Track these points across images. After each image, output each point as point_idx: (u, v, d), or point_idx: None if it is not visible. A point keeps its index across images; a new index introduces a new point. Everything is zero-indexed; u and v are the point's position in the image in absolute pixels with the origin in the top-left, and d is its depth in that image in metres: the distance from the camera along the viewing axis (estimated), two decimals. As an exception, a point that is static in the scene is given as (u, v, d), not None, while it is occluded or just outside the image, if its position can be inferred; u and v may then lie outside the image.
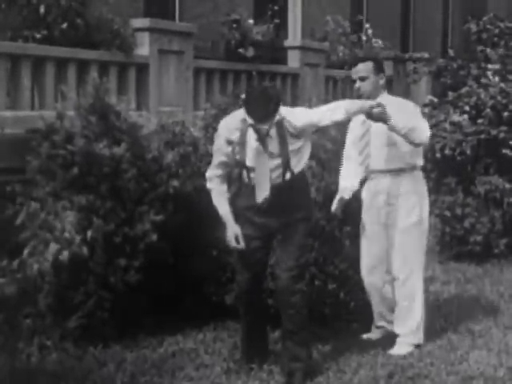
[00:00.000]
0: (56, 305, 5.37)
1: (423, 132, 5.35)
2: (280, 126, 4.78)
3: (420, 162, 5.59)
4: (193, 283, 5.92)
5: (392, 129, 5.20)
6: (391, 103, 5.37)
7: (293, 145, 4.86)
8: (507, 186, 8.61)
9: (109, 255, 5.40)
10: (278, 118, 4.72)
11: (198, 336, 5.71)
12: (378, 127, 5.34)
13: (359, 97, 5.52)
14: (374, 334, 5.76)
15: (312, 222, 5.12)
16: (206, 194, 5.29)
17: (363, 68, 5.54)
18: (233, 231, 4.92)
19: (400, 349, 5.46)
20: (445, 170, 9.06)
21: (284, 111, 4.83)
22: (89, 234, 5.24)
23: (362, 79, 5.54)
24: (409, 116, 5.34)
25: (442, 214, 8.67)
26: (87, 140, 5.53)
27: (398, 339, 5.53)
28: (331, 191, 5.75)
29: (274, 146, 4.82)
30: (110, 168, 5.50)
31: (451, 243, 8.72)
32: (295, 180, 4.94)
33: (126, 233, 5.48)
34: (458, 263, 8.42)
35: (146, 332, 5.66)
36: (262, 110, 4.64)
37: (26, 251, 4.87)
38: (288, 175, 4.91)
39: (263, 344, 5.25)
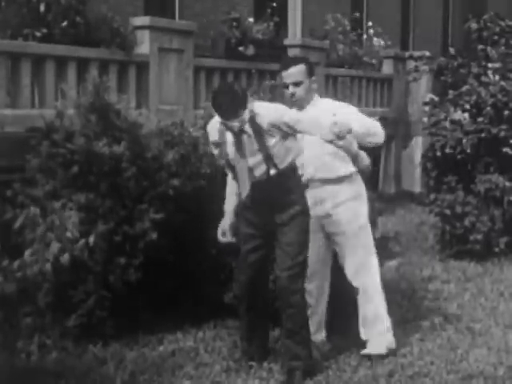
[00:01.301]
0: (56, 303, 5.37)
1: (376, 132, 5.25)
2: (253, 122, 4.80)
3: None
4: (192, 282, 5.92)
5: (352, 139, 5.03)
6: (328, 107, 5.23)
7: (272, 141, 4.85)
8: (507, 184, 8.61)
9: (108, 254, 5.40)
10: (249, 114, 4.76)
11: (197, 334, 5.71)
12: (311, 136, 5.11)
13: (293, 103, 5.23)
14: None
15: (309, 216, 5.03)
16: (206, 193, 5.30)
17: (296, 72, 5.21)
18: (221, 225, 5.06)
19: (370, 348, 5.32)
20: (445, 168, 9.07)
21: (257, 107, 4.85)
22: (91, 239, 5.23)
23: (296, 84, 5.21)
24: (358, 118, 5.20)
25: (442, 212, 8.68)
26: (87, 138, 5.53)
27: (369, 342, 5.37)
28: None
29: (251, 142, 4.84)
30: (110, 166, 5.50)
31: (451, 242, 8.73)
32: (283, 176, 4.91)
33: (126, 231, 5.48)
34: (458, 262, 8.42)
35: (146, 330, 5.66)
36: (227, 106, 4.68)
37: (27, 253, 4.87)
38: (273, 171, 4.89)
39: (263, 342, 5.25)
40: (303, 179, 5.18)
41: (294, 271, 4.91)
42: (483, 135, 8.80)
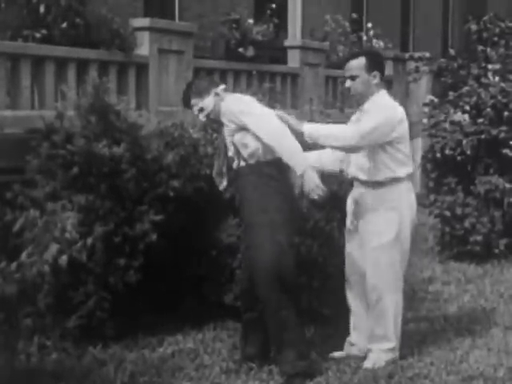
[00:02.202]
0: (56, 305, 5.37)
1: (345, 133, 5.03)
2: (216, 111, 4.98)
3: (401, 173, 5.18)
4: (192, 283, 5.92)
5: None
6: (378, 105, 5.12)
7: (233, 134, 4.93)
8: (507, 185, 8.61)
9: (108, 255, 5.40)
10: (214, 103, 4.95)
11: (197, 336, 5.71)
12: None
13: (351, 97, 5.28)
14: (343, 352, 5.40)
15: (276, 216, 4.80)
16: (206, 194, 5.30)
17: (354, 65, 5.12)
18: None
19: (370, 361, 5.18)
20: (445, 169, 9.07)
21: (227, 98, 4.99)
22: (89, 240, 5.23)
23: (353, 78, 5.13)
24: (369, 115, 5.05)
25: (442, 213, 8.68)
26: (87, 140, 5.53)
27: (369, 354, 5.23)
28: (331, 192, 5.74)
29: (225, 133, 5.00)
30: (110, 168, 5.50)
31: (451, 243, 8.72)
32: (247, 170, 4.90)
33: (126, 233, 5.48)
34: (458, 263, 8.42)
35: (146, 332, 5.66)
36: (183, 95, 5.11)
37: (24, 254, 4.86)
38: (239, 163, 4.94)
39: (263, 343, 5.23)
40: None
41: (258, 279, 4.85)
42: (483, 136, 8.79)
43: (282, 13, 12.43)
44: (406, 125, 5.22)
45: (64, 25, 7.64)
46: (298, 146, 4.78)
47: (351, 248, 5.31)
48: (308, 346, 5.03)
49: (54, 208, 5.34)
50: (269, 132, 4.80)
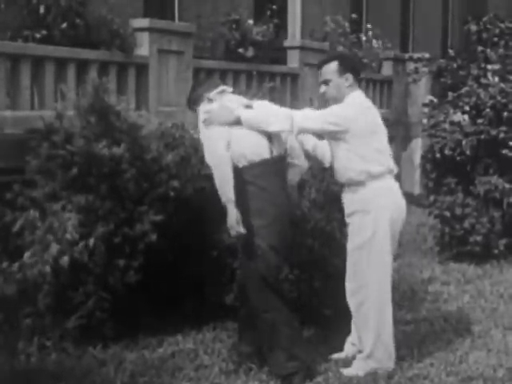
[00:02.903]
0: (55, 305, 5.37)
1: (278, 116, 4.98)
2: None
3: (373, 170, 5.03)
4: (192, 283, 5.92)
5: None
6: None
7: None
8: (507, 186, 8.61)
9: (108, 256, 5.40)
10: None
11: (197, 336, 5.71)
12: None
13: (326, 101, 5.25)
14: (343, 353, 5.38)
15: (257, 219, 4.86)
16: (206, 195, 5.30)
17: (326, 70, 5.17)
18: None
19: (352, 369, 5.09)
20: (444, 170, 9.07)
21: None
22: (91, 241, 5.24)
23: (326, 82, 5.18)
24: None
25: (441, 214, 8.69)
26: (87, 140, 5.53)
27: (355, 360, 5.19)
28: (332, 192, 5.75)
29: None
30: (110, 168, 5.50)
31: (451, 243, 8.73)
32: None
33: (126, 233, 5.48)
34: (457, 263, 8.43)
35: (146, 332, 5.66)
36: (187, 102, 5.29)
37: (26, 255, 4.87)
38: None
39: (258, 341, 5.21)
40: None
41: (245, 280, 4.97)
42: (483, 137, 8.80)
43: (281, 13, 12.42)
44: (373, 119, 5.14)
45: (64, 25, 7.64)
46: (228, 177, 4.78)
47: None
48: (301, 347, 4.98)
49: (55, 209, 5.35)
50: (207, 157, 4.92)
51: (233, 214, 4.76)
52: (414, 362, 5.29)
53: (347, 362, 5.20)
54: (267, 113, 5.03)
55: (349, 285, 5.15)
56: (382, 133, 5.17)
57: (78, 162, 5.45)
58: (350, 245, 5.14)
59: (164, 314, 5.85)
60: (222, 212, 5.04)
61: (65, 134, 5.58)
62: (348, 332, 5.41)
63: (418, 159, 11.70)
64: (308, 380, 4.90)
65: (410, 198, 12.58)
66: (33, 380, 4.78)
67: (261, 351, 5.07)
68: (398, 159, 13.23)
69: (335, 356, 5.34)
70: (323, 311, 5.80)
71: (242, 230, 4.76)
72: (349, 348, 5.40)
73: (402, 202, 5.21)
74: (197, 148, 5.97)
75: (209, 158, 4.90)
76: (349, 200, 5.14)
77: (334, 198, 5.68)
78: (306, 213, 5.68)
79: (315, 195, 5.66)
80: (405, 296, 6.88)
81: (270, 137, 4.96)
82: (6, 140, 6.43)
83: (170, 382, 4.92)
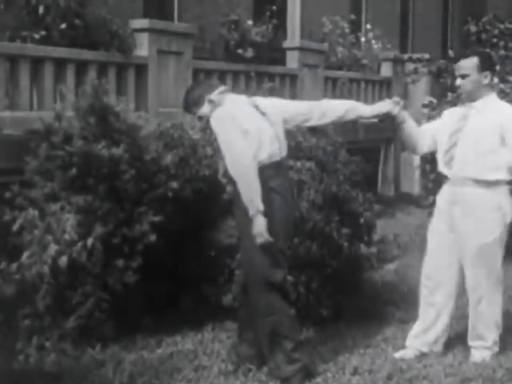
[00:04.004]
0: (54, 305, 5.37)
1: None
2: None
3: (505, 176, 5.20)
4: (191, 284, 5.92)
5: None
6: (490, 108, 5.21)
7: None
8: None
9: (107, 256, 5.40)
10: (208, 114, 4.93)
11: (196, 337, 5.70)
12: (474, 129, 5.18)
13: (460, 95, 5.38)
14: (407, 352, 5.46)
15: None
16: (205, 195, 5.30)
17: (465, 64, 5.21)
18: None
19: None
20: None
21: (219, 104, 4.96)
22: (89, 241, 5.24)
23: (463, 77, 5.21)
24: None
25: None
26: (86, 141, 5.53)
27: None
28: (330, 193, 5.75)
29: None
30: (109, 169, 5.50)
31: (450, 244, 8.70)
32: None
33: (125, 233, 5.48)
34: (456, 264, 8.40)
35: (144, 333, 5.65)
36: (183, 102, 5.13)
37: (25, 255, 4.87)
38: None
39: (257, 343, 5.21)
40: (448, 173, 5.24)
41: (248, 282, 4.90)
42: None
43: (281, 14, 12.44)
44: None
45: (63, 26, 7.64)
46: (257, 189, 4.64)
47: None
48: (301, 349, 4.97)
49: (53, 209, 5.35)
50: (232, 162, 4.72)
51: (261, 223, 4.63)
52: (414, 362, 5.28)
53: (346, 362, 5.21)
54: None
55: (471, 282, 5.30)
56: None
57: (77, 162, 5.45)
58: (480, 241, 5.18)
59: (163, 315, 5.85)
60: (221, 212, 5.05)
61: (64, 135, 5.58)
62: (348, 332, 5.41)
63: (417, 160, 11.70)
64: (307, 381, 4.90)
65: (409, 198, 12.63)
66: (31, 380, 4.78)
67: (260, 352, 5.07)
68: (397, 160, 13.25)
69: (399, 354, 5.40)
70: (322, 312, 5.80)
71: (269, 237, 4.66)
72: (412, 343, 5.47)
73: None
74: (196, 148, 5.99)
75: (234, 166, 4.71)
76: (471, 198, 5.18)
77: (332, 199, 5.68)
78: (304, 214, 5.68)
79: (314, 196, 5.66)
80: (404, 297, 6.87)
81: (280, 137, 4.94)
82: (4, 141, 6.43)
83: (169, 382, 4.91)
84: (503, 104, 5.39)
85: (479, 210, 5.16)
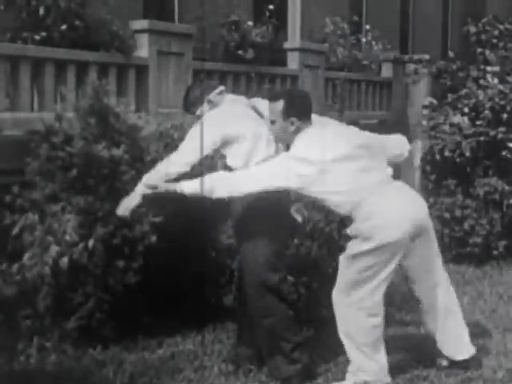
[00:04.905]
0: (55, 306, 5.37)
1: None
2: None
3: None
4: (192, 285, 5.92)
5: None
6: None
7: None
8: (506, 187, 8.62)
9: (108, 257, 5.40)
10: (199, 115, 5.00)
11: (197, 337, 5.71)
12: None
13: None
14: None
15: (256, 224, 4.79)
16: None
17: (271, 109, 4.73)
18: None
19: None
20: (444, 171, 9.08)
21: (216, 104, 5.01)
22: (90, 243, 5.25)
23: (272, 122, 4.75)
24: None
25: (441, 215, 8.68)
26: (86, 142, 5.53)
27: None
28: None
29: None
30: (109, 170, 5.50)
31: (450, 245, 8.73)
32: None
33: (125, 234, 5.48)
34: (457, 265, 8.42)
35: (145, 333, 5.66)
36: (183, 101, 5.18)
37: (26, 256, 4.87)
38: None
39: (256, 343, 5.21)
40: None
41: (245, 283, 4.93)
42: (482, 139, 8.80)
43: (281, 15, 12.42)
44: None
45: (63, 27, 7.63)
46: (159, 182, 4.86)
47: None
48: (301, 350, 4.97)
49: (54, 210, 5.36)
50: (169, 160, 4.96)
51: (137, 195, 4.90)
52: (414, 363, 5.28)
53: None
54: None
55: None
56: None
57: (78, 163, 5.46)
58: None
59: (163, 315, 5.85)
60: (221, 213, 5.05)
61: (64, 136, 5.58)
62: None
63: (417, 161, 11.70)
64: (308, 381, 4.90)
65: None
66: (32, 381, 4.78)
67: (259, 353, 5.08)
68: (397, 161, 13.23)
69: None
70: (321, 312, 5.80)
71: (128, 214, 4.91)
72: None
73: None
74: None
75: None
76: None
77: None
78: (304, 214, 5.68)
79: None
80: (404, 297, 6.87)
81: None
82: (5, 141, 6.43)
83: (170, 383, 4.92)
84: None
85: None
